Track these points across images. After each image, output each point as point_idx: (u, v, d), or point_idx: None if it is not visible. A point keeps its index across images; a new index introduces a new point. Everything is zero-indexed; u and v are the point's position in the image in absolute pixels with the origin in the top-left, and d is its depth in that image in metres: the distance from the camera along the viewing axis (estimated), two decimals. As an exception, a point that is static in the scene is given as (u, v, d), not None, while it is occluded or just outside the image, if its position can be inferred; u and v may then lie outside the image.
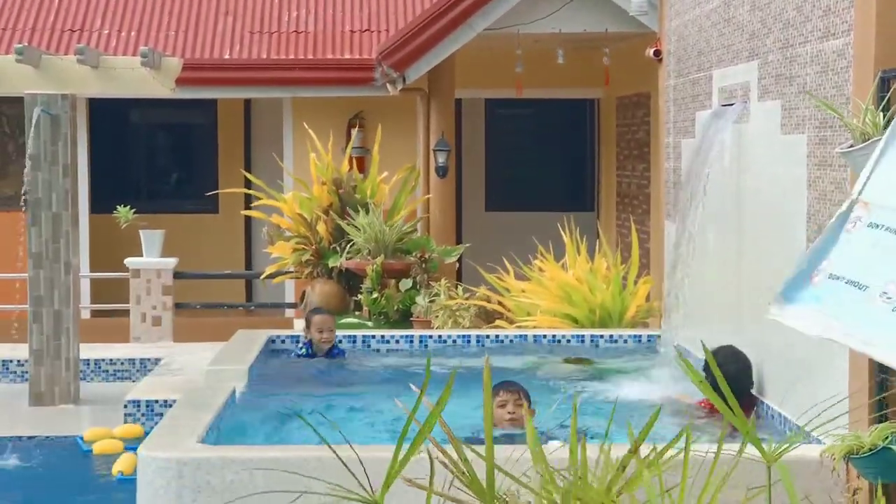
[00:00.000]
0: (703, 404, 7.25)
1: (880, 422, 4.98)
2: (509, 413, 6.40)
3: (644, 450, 2.68)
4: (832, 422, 5.35)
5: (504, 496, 2.36)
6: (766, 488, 2.47)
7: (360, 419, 7.42)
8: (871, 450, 4.77)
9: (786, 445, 2.56)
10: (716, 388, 3.04)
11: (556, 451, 2.51)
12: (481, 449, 2.46)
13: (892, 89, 4.86)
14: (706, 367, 7.04)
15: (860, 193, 4.40)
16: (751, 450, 2.94)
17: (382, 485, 2.39)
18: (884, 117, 4.72)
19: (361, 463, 2.48)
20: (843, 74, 5.69)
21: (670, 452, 2.55)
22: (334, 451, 2.54)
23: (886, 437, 4.78)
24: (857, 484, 5.07)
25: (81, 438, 9.49)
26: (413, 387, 2.96)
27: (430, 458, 2.56)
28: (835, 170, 5.81)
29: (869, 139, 4.71)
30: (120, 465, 8.68)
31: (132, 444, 9.07)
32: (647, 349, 9.33)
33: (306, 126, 14.05)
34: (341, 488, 2.38)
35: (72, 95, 10.97)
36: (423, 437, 2.40)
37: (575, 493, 2.33)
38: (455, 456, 2.46)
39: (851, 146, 4.80)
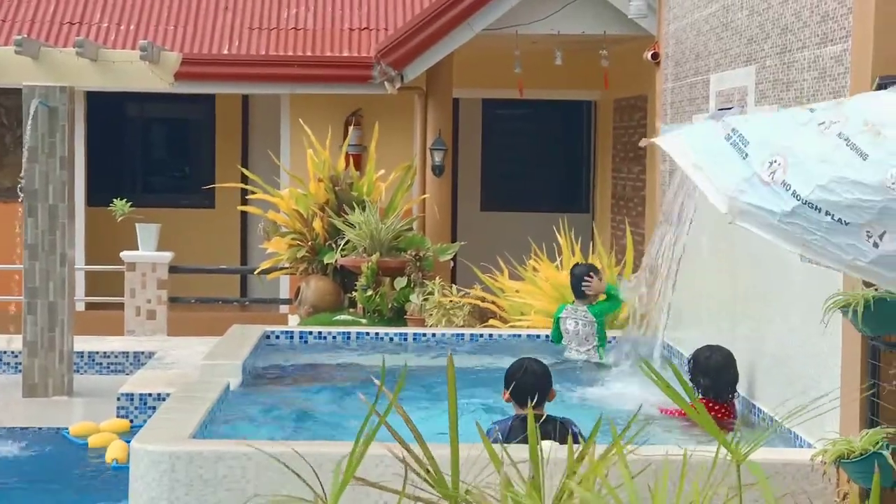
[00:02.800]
0: (679, 412, 7.26)
1: (871, 426, 5.01)
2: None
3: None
4: (821, 424, 5.39)
5: (468, 496, 2.38)
6: (744, 488, 2.50)
7: (352, 414, 7.44)
8: (861, 454, 4.80)
9: (753, 445, 2.57)
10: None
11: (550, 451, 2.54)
12: (444, 449, 2.48)
13: (888, 96, 4.88)
14: (692, 369, 7.08)
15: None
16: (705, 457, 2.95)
17: (334, 487, 2.40)
18: (880, 124, 4.75)
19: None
20: (840, 80, 5.72)
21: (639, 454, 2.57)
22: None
23: (877, 442, 4.81)
24: (847, 488, 5.10)
25: (67, 432, 9.51)
26: (375, 380, 2.97)
27: (400, 457, 2.58)
28: (830, 175, 5.83)
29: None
30: (114, 453, 8.71)
31: (125, 439, 9.11)
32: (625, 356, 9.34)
33: (303, 123, 14.07)
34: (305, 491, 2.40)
35: (70, 88, 10.96)
36: (372, 436, 2.41)
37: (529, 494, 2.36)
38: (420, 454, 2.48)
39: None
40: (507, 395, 6.33)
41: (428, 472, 2.31)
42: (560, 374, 8.63)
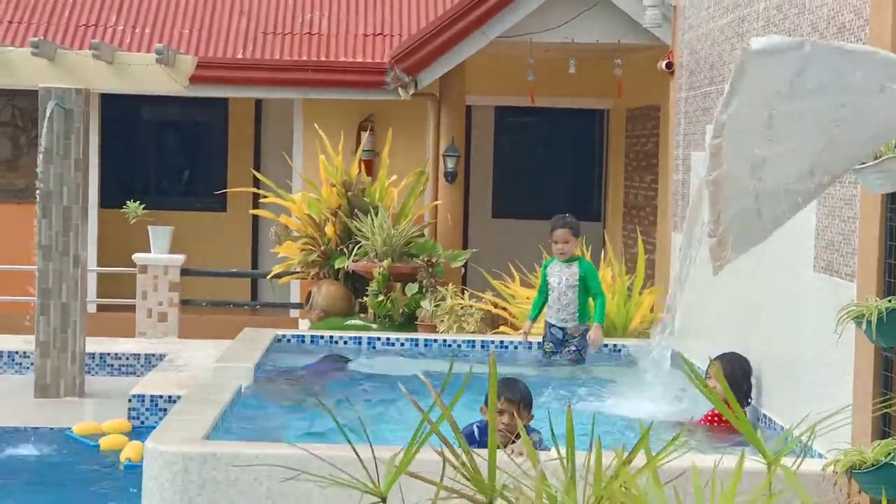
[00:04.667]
0: (702, 422, 7.28)
1: (884, 437, 5.02)
2: (503, 424, 6.39)
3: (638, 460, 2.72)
4: (832, 432, 5.40)
5: (504, 490, 2.42)
6: (774, 496, 2.51)
7: (365, 418, 7.45)
8: (873, 465, 4.81)
9: (786, 446, 2.59)
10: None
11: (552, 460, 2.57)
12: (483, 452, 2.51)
13: (904, 108, 4.90)
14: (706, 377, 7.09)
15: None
16: (754, 465, 2.97)
17: (386, 477, 2.44)
18: (896, 136, 4.76)
19: (361, 461, 2.53)
20: (855, 92, 5.73)
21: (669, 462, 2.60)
22: (353, 449, 2.59)
23: (889, 454, 4.82)
24: (859, 499, 5.11)
25: (71, 432, 9.55)
26: (402, 389, 3.01)
27: (441, 454, 2.61)
28: (845, 186, 5.85)
29: (881, 157, 4.76)
30: (128, 453, 8.76)
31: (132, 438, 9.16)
32: (651, 360, 9.35)
33: (317, 127, 14.10)
34: (350, 478, 2.43)
35: (85, 90, 11.02)
36: (431, 433, 2.45)
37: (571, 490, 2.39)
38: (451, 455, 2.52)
39: (863, 163, 4.85)
40: (485, 409, 6.37)
41: (464, 465, 2.34)
42: (561, 382, 8.65)
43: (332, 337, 10.00)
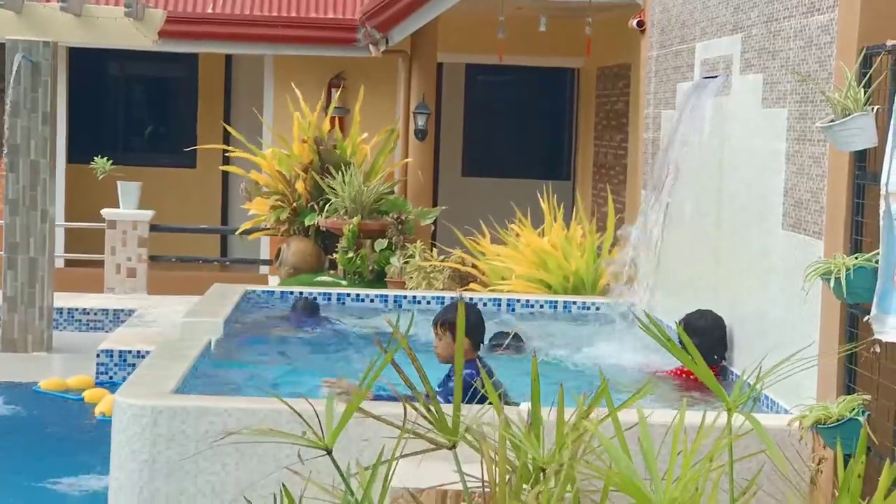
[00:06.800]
0: (671, 373, 7.34)
1: (848, 393, 5.07)
2: (437, 350, 6.35)
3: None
4: (798, 391, 5.45)
5: (467, 433, 2.44)
6: (734, 438, 2.54)
7: (325, 374, 7.47)
8: (838, 420, 4.86)
9: (747, 392, 2.62)
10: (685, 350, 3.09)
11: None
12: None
13: (874, 65, 4.92)
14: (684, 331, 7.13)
15: (888, 186, 4.54)
16: (725, 423, 3.00)
17: (328, 428, 2.45)
18: (865, 93, 4.79)
19: (318, 415, 2.54)
20: (826, 49, 5.75)
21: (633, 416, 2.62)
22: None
23: (853, 409, 4.87)
24: (824, 453, 5.16)
25: (38, 388, 9.54)
26: (386, 319, 3.03)
27: (404, 401, 2.63)
28: (814, 144, 5.87)
29: (850, 114, 4.79)
30: (101, 408, 8.76)
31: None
32: (621, 317, 9.39)
33: (293, 85, 14.04)
34: (299, 437, 2.44)
35: (53, 43, 10.93)
36: (386, 363, 2.46)
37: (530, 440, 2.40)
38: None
39: (832, 121, 4.87)
40: (467, 344, 6.36)
41: (429, 410, 2.35)
42: (546, 335, 8.70)
43: (301, 293, 10.00)
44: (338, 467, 2.42)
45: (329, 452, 2.42)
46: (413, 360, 2.53)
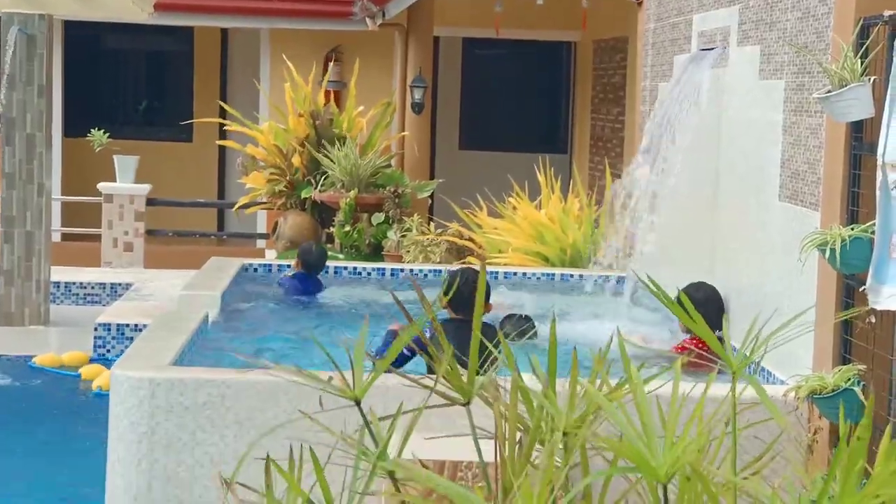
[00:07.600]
0: (676, 349, 7.33)
1: (844, 363, 5.09)
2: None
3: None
4: (794, 362, 5.47)
5: (482, 390, 2.47)
6: (737, 409, 2.56)
7: (330, 343, 7.48)
8: (834, 390, 4.88)
9: (748, 357, 2.64)
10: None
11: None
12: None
13: (871, 36, 4.92)
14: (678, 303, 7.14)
15: (884, 157, 4.54)
16: (726, 390, 3.01)
17: (359, 382, 2.46)
18: (862, 64, 4.79)
19: (339, 371, 2.55)
20: (823, 21, 5.74)
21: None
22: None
23: (849, 379, 4.89)
24: (819, 423, 5.18)
25: (33, 363, 9.54)
26: (392, 296, 3.06)
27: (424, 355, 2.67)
28: (811, 115, 5.87)
29: (846, 85, 4.79)
30: (99, 382, 8.77)
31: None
32: (615, 291, 9.41)
33: (286, 58, 14.00)
34: (323, 384, 2.44)
35: (48, 16, 10.90)
36: (408, 337, 2.48)
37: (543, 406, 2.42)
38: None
39: (829, 92, 4.87)
40: (444, 302, 6.45)
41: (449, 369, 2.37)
42: (539, 309, 8.70)
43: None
44: (364, 418, 2.44)
45: (358, 403, 2.44)
46: (433, 321, 2.59)
